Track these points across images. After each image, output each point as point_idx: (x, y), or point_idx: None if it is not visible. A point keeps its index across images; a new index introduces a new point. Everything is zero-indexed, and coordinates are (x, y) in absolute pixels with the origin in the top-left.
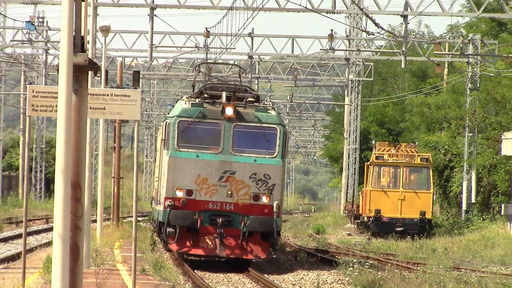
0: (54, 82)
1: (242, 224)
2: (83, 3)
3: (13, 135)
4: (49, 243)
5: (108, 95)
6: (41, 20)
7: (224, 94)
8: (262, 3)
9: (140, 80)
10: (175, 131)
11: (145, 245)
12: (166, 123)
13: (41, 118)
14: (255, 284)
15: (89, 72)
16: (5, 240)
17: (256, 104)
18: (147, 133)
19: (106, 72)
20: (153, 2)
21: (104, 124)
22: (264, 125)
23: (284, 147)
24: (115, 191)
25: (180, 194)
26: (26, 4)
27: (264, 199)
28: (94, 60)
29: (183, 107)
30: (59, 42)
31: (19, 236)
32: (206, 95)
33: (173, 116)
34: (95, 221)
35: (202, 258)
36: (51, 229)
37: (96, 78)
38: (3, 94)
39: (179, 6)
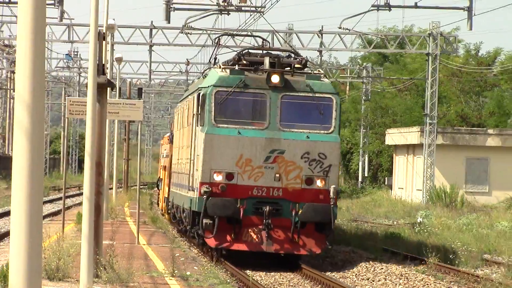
0: (84, 95)
1: (293, 213)
2: (104, 42)
3: (56, 131)
4: (80, 203)
5: (121, 103)
6: (76, 53)
7: (267, 60)
8: (225, 43)
9: (142, 93)
10: (211, 104)
11: (145, 205)
12: (199, 95)
13: (75, 119)
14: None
15: (108, 88)
16: (50, 201)
17: (306, 71)
18: (147, 129)
19: (119, 88)
20: (151, 41)
21: (118, 123)
22: (317, 95)
23: (340, 121)
24: (125, 168)
25: (218, 178)
26: (66, 42)
27: (319, 183)
28: (111, 80)
29: (220, 75)
30: (88, 68)
31: (60, 198)
32: (245, 62)
33: (209, 86)
34: (111, 188)
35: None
36: (81, 194)
37: (113, 92)
38: (50, 103)
39: (169, 44)
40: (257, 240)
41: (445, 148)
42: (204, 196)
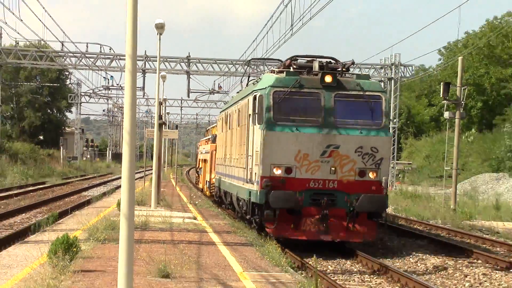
0: (153, 128)
1: (348, 204)
2: (161, 105)
3: (141, 143)
4: (151, 173)
5: (168, 131)
6: (150, 110)
7: (316, 63)
8: (255, 67)
9: (177, 127)
10: (270, 103)
11: (179, 174)
12: (255, 97)
13: (150, 138)
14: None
15: (163, 125)
16: (138, 172)
17: (354, 72)
18: (180, 142)
19: (168, 125)
20: (181, 106)
21: (167, 139)
22: (367, 93)
23: (389, 117)
24: (170, 158)
25: (278, 172)
26: (145, 106)
27: (371, 175)
28: (164, 121)
29: (277, 76)
30: (154, 116)
31: (142, 171)
32: (295, 66)
33: (266, 87)
34: (164, 167)
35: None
36: (151, 169)
37: (165, 126)
38: (138, 131)
39: (189, 106)
40: (314, 229)
41: None
42: (266, 190)
